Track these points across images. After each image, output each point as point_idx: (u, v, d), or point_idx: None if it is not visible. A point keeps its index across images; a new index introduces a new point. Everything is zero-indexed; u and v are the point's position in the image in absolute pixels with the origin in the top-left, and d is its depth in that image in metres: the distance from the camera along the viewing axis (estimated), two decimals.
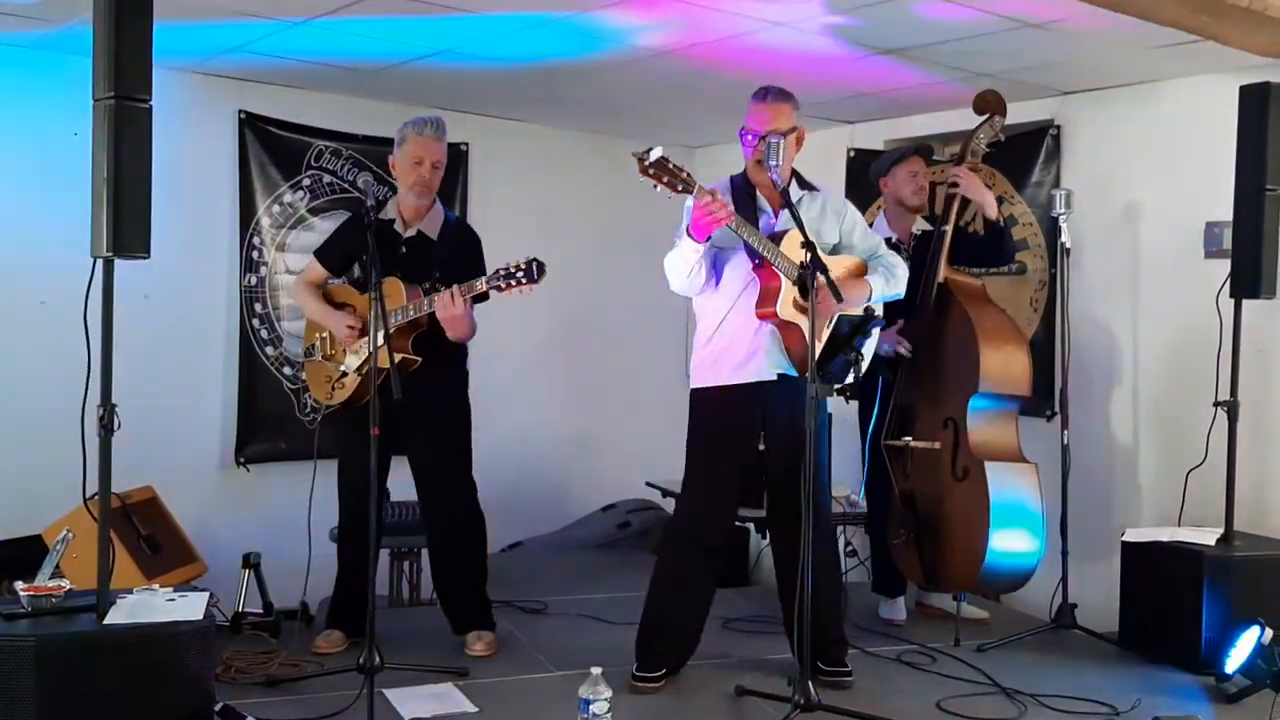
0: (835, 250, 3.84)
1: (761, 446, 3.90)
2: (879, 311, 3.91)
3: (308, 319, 4.29)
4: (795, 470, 3.56)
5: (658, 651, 3.84)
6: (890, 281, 3.87)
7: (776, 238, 3.66)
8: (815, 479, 3.55)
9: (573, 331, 6.31)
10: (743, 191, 3.80)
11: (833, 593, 3.91)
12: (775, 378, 3.75)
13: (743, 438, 3.86)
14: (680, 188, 3.36)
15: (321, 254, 4.23)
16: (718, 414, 3.81)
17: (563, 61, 4.83)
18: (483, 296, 3.90)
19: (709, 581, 3.94)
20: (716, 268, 3.74)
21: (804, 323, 3.60)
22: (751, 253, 3.64)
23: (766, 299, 3.65)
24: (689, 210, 3.59)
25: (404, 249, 4.06)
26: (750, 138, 3.75)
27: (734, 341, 3.77)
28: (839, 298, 3.59)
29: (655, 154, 3.29)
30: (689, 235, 3.55)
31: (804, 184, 3.89)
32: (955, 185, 4.52)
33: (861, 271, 3.85)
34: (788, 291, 3.62)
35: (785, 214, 3.75)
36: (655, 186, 3.34)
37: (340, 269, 4.21)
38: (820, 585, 3.50)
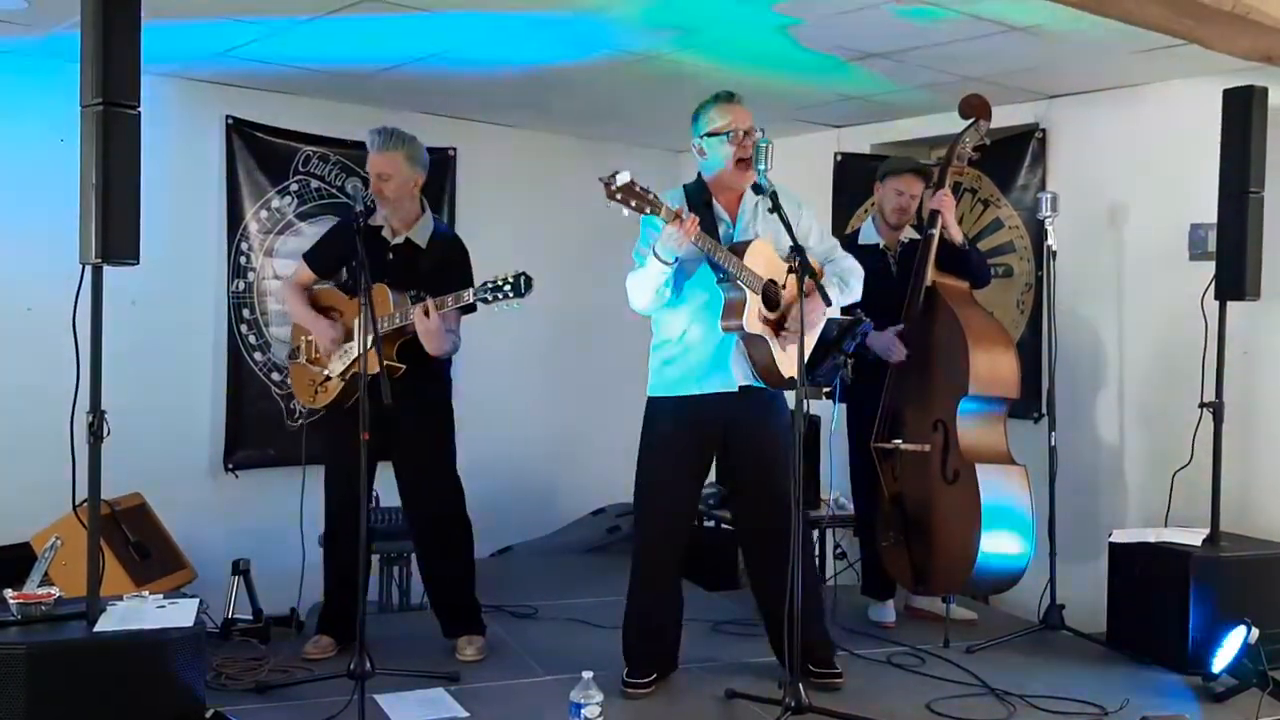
0: None
1: (725, 457, 3.91)
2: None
3: (293, 321, 4.29)
4: (770, 476, 3.64)
5: (645, 657, 3.85)
6: (845, 291, 3.86)
7: (739, 249, 3.63)
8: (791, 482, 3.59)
9: (560, 336, 6.31)
10: (698, 200, 3.73)
11: (813, 593, 3.91)
12: (738, 389, 3.75)
13: (701, 448, 3.86)
14: (649, 209, 3.35)
15: (310, 257, 4.24)
16: (678, 424, 3.79)
17: (549, 66, 4.84)
18: (470, 308, 3.91)
19: (678, 580, 3.95)
20: (677, 279, 3.69)
21: (770, 335, 3.63)
22: (716, 267, 3.60)
23: (731, 312, 3.62)
24: (646, 224, 3.60)
25: (391, 255, 4.07)
26: (733, 136, 3.68)
27: (696, 353, 3.75)
28: (828, 301, 3.61)
29: (622, 178, 3.27)
30: (657, 257, 3.52)
31: (758, 188, 3.75)
32: (939, 209, 4.53)
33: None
34: (753, 304, 3.60)
35: (742, 223, 3.77)
36: (624, 211, 3.31)
37: (328, 272, 4.21)
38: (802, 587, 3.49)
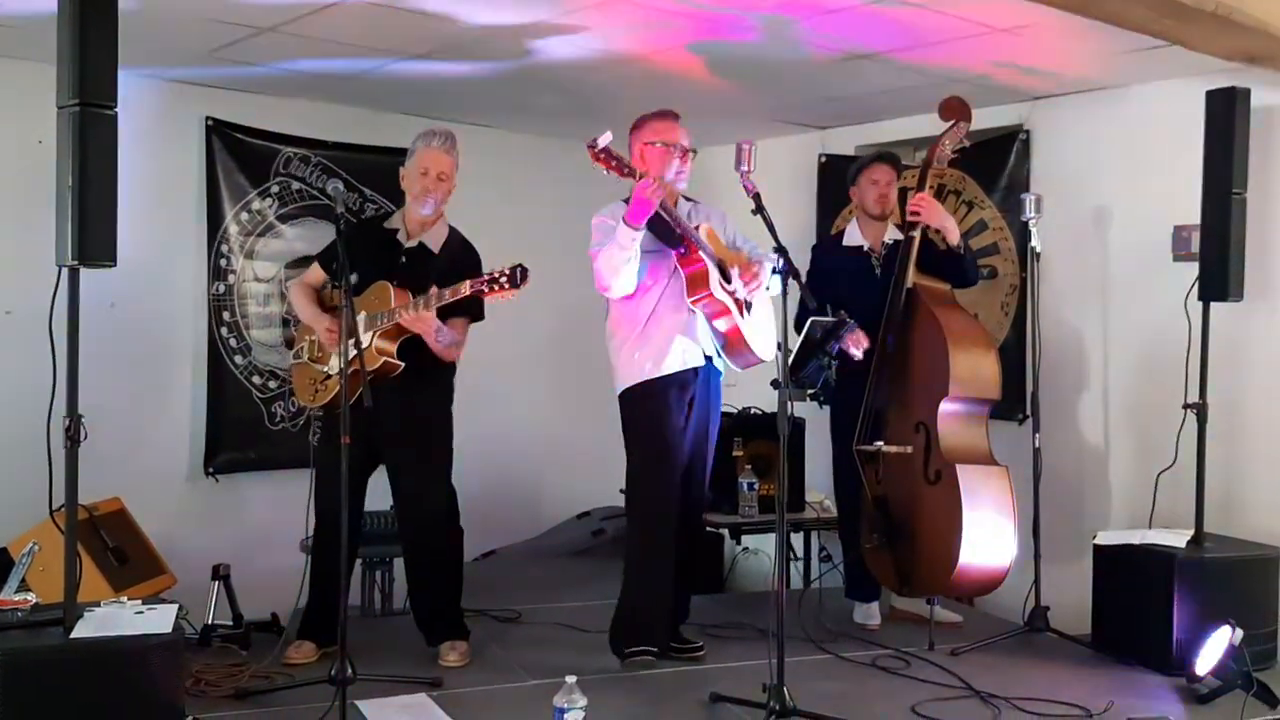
0: None
1: None
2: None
3: (300, 320, 4.28)
4: (702, 457, 4.14)
5: (649, 630, 4.02)
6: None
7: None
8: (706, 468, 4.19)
9: (544, 340, 6.29)
10: None
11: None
12: (704, 362, 4.04)
13: (683, 422, 4.06)
14: (626, 171, 3.74)
15: (322, 258, 4.26)
16: (662, 405, 4.01)
17: (534, 66, 4.82)
18: (478, 316, 3.98)
19: (672, 563, 4.11)
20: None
21: (731, 303, 3.95)
22: (676, 240, 3.90)
23: (697, 283, 3.91)
24: (597, 226, 4.00)
25: (404, 259, 4.06)
26: (668, 150, 4.01)
27: (662, 336, 4.00)
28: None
29: (604, 140, 3.64)
30: (626, 224, 3.80)
31: (686, 198, 4.16)
32: (916, 215, 4.52)
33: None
34: (714, 274, 3.91)
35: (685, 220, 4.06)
36: (606, 171, 3.69)
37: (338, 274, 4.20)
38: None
